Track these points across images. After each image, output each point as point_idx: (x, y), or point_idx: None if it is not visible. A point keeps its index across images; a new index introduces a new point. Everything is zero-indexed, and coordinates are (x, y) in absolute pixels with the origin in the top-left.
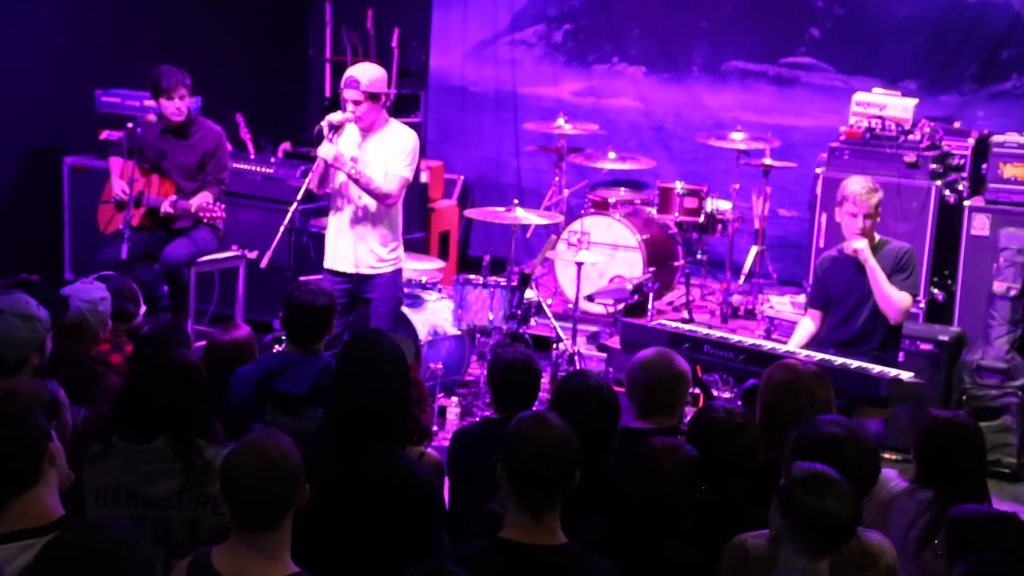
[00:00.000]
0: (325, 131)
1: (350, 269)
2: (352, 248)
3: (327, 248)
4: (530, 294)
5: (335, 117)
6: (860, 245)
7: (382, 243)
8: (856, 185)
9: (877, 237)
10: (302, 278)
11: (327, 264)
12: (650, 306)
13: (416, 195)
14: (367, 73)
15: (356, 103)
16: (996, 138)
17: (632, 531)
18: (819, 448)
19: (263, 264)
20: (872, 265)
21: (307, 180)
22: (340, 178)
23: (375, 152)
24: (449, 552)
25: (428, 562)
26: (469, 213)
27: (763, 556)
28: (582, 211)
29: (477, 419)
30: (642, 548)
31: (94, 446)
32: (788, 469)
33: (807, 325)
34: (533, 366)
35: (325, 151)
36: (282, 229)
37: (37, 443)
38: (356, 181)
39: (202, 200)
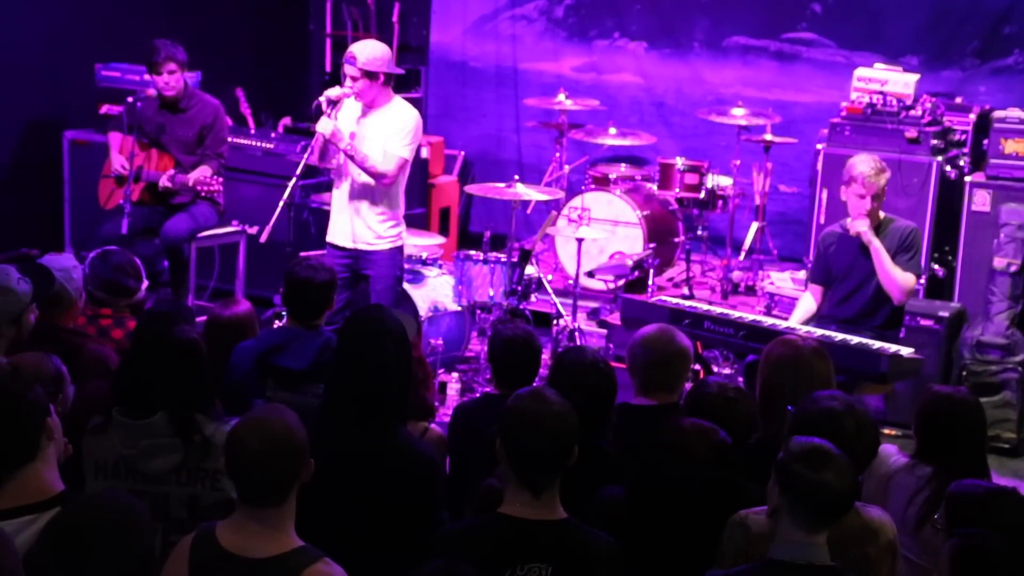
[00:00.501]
0: (324, 106)
1: (349, 244)
2: (350, 223)
3: (330, 222)
4: (530, 270)
5: (333, 92)
6: (862, 228)
7: (380, 220)
8: (865, 166)
9: (882, 215)
10: (302, 253)
11: (329, 238)
12: (650, 282)
13: (416, 171)
14: (366, 50)
15: (353, 79)
16: (997, 114)
17: (648, 509)
18: (818, 423)
19: (263, 239)
20: (876, 246)
21: (306, 155)
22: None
23: (374, 128)
24: (449, 528)
25: (440, 562)
26: (470, 189)
27: (764, 532)
28: (583, 187)
29: (477, 395)
30: (656, 525)
31: (94, 419)
32: (787, 443)
33: (808, 300)
34: (534, 342)
35: (323, 126)
36: (281, 204)
37: (35, 417)
38: (351, 158)
39: (200, 174)
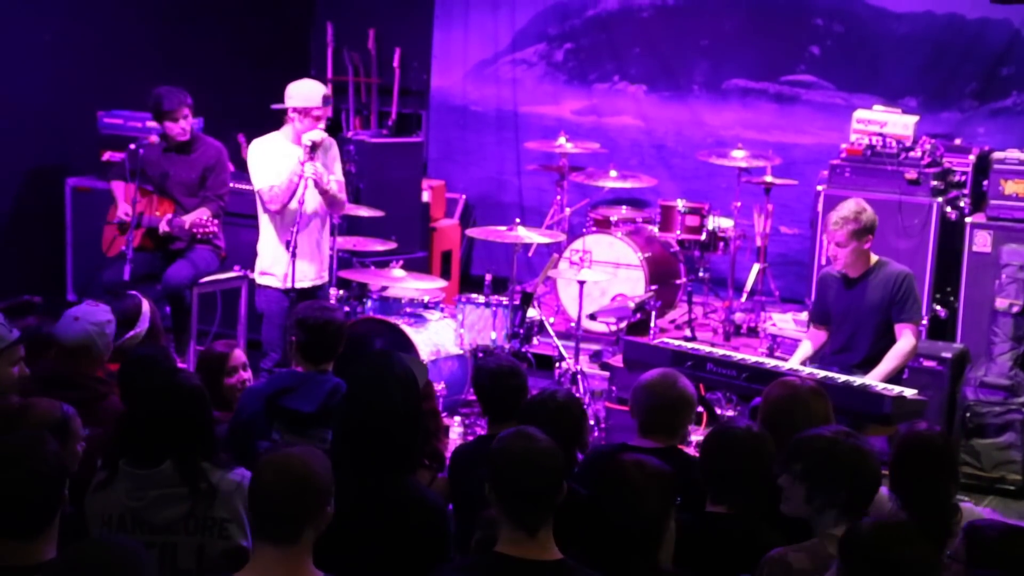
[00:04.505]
0: (307, 151)
1: (306, 283)
2: (309, 263)
3: (275, 266)
4: (532, 313)
5: (316, 135)
6: None
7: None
8: (835, 213)
9: (875, 258)
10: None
11: (281, 283)
12: (652, 324)
13: (418, 214)
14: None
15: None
16: (997, 155)
17: (610, 551)
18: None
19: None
20: (876, 376)
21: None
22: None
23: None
24: (445, 568)
25: None
26: (471, 232)
27: (806, 568)
28: (584, 230)
29: None
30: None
31: (98, 474)
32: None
33: (807, 343)
34: (519, 371)
35: (311, 170)
36: (292, 248)
37: (58, 483)
38: (324, 193)
39: (196, 216)
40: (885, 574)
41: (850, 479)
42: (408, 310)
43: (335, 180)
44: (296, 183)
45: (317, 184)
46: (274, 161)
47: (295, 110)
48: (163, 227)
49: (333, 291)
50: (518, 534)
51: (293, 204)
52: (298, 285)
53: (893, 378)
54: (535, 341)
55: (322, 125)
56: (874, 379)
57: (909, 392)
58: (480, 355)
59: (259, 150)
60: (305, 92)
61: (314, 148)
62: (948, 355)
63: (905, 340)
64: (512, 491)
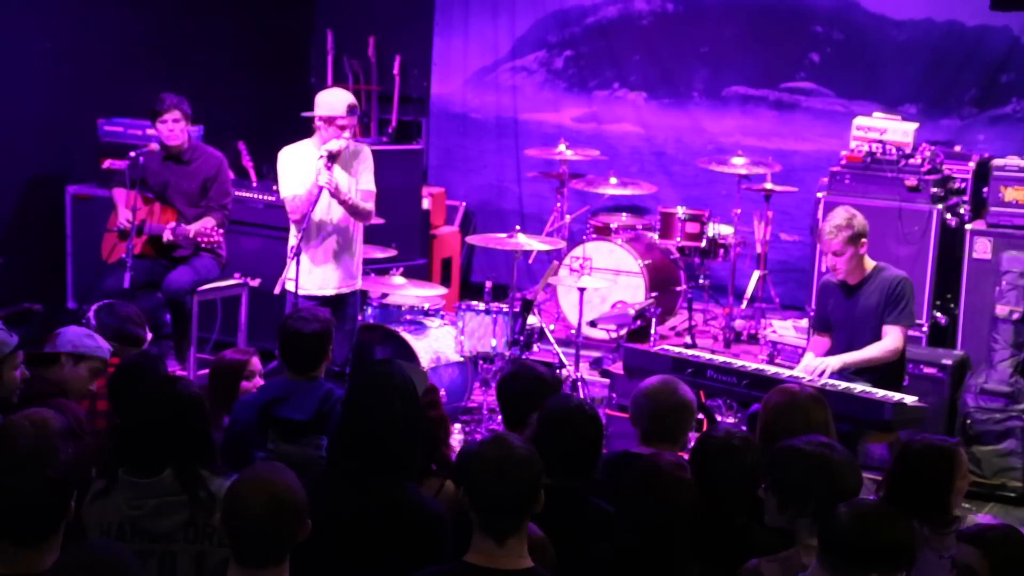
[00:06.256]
0: (326, 161)
1: (330, 291)
2: (334, 270)
3: (302, 275)
4: (532, 320)
5: (334, 146)
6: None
7: (359, 260)
8: (828, 222)
9: (872, 264)
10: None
11: (307, 290)
12: (653, 331)
13: (418, 222)
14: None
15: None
16: (997, 161)
17: (644, 553)
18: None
19: (277, 290)
20: (841, 363)
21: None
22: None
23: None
24: None
25: None
26: (471, 239)
27: None
28: (584, 237)
29: None
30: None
31: (96, 483)
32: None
33: (811, 352)
34: (530, 377)
35: (325, 178)
36: (294, 254)
37: (67, 489)
38: (344, 203)
39: (201, 225)
40: (865, 554)
41: (817, 489)
42: (408, 317)
43: (361, 189)
44: (315, 193)
45: (334, 194)
46: (299, 170)
47: (321, 119)
48: (167, 235)
49: None
50: (487, 542)
51: (316, 215)
52: (320, 293)
53: (893, 385)
54: (535, 348)
55: (347, 134)
56: (846, 361)
57: (909, 399)
58: (485, 364)
59: (286, 159)
60: (330, 101)
61: (332, 158)
62: (948, 362)
63: (891, 338)
64: (483, 499)
